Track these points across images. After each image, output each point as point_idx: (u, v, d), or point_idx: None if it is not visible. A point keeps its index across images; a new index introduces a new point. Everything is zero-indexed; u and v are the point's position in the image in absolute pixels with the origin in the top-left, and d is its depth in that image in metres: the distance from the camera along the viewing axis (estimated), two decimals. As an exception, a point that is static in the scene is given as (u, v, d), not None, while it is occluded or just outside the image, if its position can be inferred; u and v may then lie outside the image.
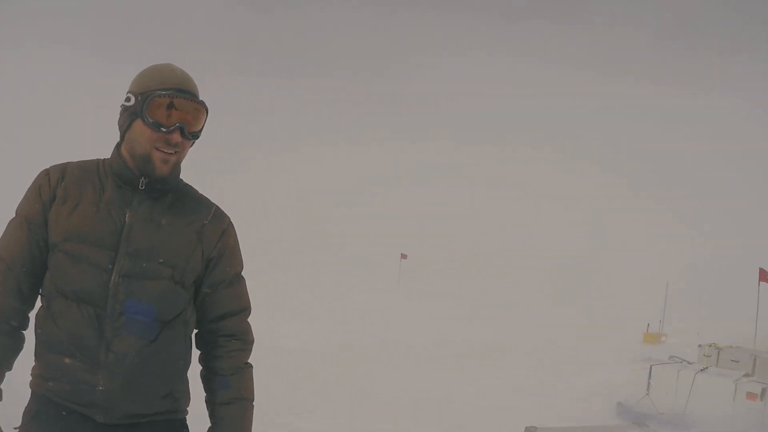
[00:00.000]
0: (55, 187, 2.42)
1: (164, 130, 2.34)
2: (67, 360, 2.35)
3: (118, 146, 2.46)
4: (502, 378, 14.02)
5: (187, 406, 2.62)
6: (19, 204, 2.46)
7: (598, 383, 13.77)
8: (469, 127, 51.72)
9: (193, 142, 2.49)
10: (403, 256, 30.78)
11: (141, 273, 2.38)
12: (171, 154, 2.38)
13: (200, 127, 2.45)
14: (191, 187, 2.62)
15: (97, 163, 2.50)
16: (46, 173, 2.45)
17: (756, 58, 54.55)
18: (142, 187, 2.41)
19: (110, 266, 2.36)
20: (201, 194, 2.64)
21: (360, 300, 25.10)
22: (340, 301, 24.87)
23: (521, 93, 55.39)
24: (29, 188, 2.45)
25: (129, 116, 2.38)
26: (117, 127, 2.49)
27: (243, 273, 2.69)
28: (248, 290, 2.69)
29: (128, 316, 2.35)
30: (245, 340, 2.65)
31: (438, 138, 50.28)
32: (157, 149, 2.36)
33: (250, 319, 2.69)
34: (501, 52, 62.07)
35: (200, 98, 2.46)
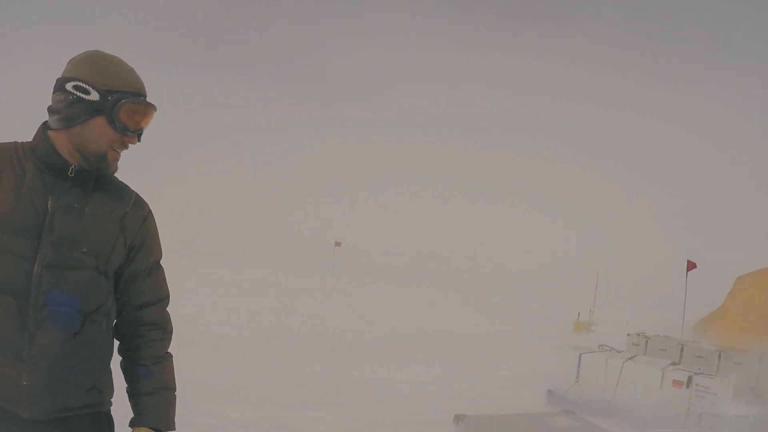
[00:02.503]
0: None
1: (130, 134, 2.38)
2: None
3: (44, 130, 2.38)
4: (432, 366, 14.00)
5: (111, 397, 2.60)
6: None
7: (528, 371, 13.85)
8: (442, 122, 51.81)
9: None
10: (337, 244, 30.82)
11: (64, 263, 2.32)
12: (119, 152, 2.43)
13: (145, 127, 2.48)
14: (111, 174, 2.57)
15: (15, 146, 2.39)
16: None
17: (751, 59, 55.42)
18: (71, 174, 2.35)
19: (32, 256, 2.28)
20: (120, 181, 2.58)
21: (294, 285, 24.91)
22: (275, 286, 24.64)
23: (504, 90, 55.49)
24: None
25: (88, 111, 2.31)
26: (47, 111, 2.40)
27: (163, 261, 2.70)
28: (177, 277, 2.77)
29: (51, 308, 2.30)
30: (165, 329, 2.67)
31: (412, 133, 50.20)
32: (113, 149, 2.39)
33: (184, 305, 2.62)
34: (495, 50, 61.72)
35: None
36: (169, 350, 2.69)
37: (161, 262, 2.69)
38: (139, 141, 2.43)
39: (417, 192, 41.50)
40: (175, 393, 2.66)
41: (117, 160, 2.43)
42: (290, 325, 17.51)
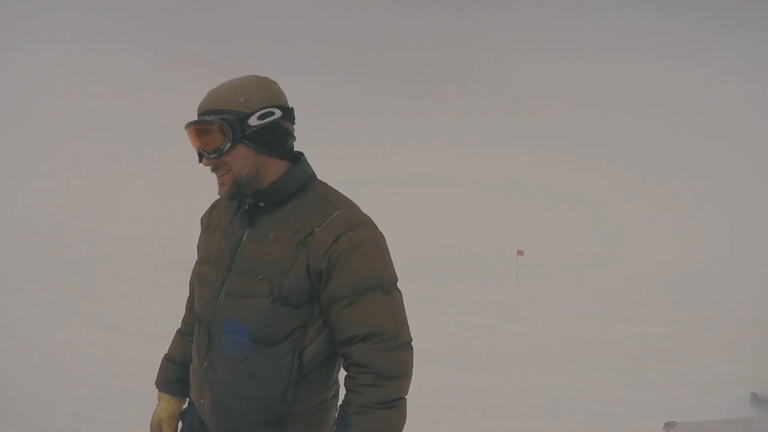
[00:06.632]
0: (206, 218, 2.68)
1: (198, 158, 2.36)
2: (192, 372, 2.58)
3: None
4: (632, 374, 13.98)
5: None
6: None
7: (729, 373, 13.52)
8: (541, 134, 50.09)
9: (254, 150, 2.32)
10: (519, 253, 29.05)
11: (242, 291, 2.35)
12: (221, 175, 2.36)
13: (216, 145, 2.29)
14: (320, 190, 2.44)
15: None
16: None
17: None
18: (245, 207, 2.44)
19: (220, 285, 2.42)
20: (328, 197, 2.41)
21: (479, 298, 24.86)
22: (459, 300, 24.75)
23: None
24: None
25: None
26: None
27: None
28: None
29: (227, 336, 2.38)
30: (380, 374, 2.26)
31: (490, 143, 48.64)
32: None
33: None
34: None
35: (213, 110, 2.28)
36: (391, 401, 2.29)
37: (390, 292, 2.33)
38: (210, 158, 2.32)
39: (580, 201, 40.41)
40: None
41: (223, 184, 2.36)
42: (479, 339, 17.85)
